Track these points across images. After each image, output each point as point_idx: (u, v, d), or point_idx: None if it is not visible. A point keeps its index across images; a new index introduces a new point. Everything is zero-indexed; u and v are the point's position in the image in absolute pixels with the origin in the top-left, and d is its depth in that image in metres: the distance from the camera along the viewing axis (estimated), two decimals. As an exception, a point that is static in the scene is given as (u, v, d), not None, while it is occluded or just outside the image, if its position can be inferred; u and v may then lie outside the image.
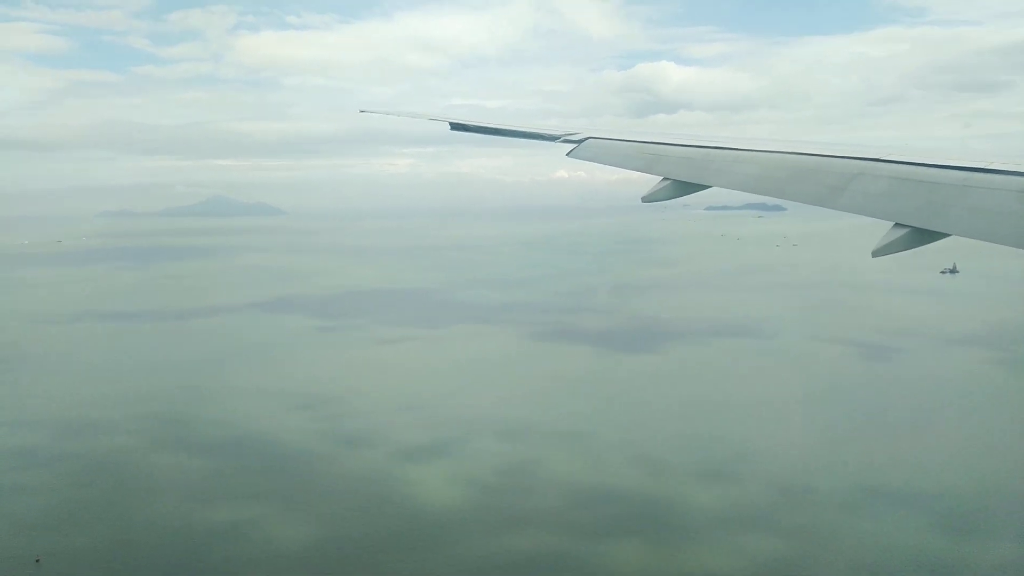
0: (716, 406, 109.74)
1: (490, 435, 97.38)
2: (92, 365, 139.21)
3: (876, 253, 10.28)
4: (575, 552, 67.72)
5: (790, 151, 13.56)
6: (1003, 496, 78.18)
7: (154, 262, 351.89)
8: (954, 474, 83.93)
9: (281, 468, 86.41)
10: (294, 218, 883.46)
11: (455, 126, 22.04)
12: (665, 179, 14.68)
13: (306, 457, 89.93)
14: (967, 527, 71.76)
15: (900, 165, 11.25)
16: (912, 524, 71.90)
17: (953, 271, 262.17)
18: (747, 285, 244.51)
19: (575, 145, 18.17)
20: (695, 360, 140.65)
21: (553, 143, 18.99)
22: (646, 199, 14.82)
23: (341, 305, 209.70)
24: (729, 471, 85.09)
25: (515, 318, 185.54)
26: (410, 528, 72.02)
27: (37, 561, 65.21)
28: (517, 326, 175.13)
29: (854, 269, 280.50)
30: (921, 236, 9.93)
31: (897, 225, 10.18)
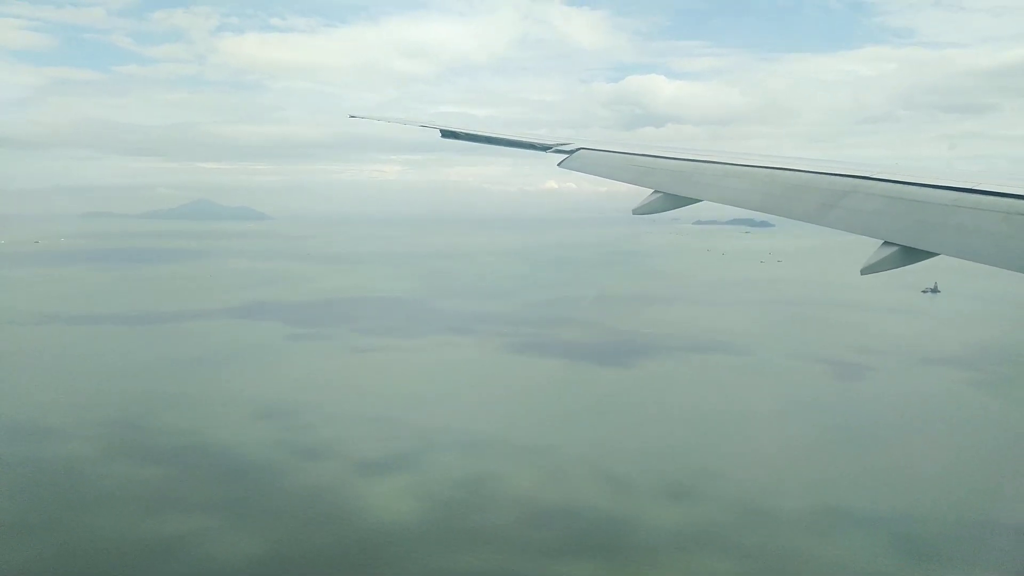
0: (684, 422, 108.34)
1: (452, 448, 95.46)
2: (53, 368, 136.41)
3: (865, 271, 10.24)
4: (527, 571, 66.01)
5: (781, 167, 13.45)
6: (968, 520, 77.13)
7: (131, 265, 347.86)
8: (920, 496, 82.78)
9: (234, 479, 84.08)
10: (279, 223, 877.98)
11: (446, 133, 21.78)
12: (656, 192, 14.59)
13: (261, 468, 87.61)
14: (927, 551, 70.52)
15: (891, 184, 11.25)
16: (872, 547, 70.47)
17: (934, 290, 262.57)
18: (728, 300, 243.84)
19: (566, 155, 17.98)
20: (667, 375, 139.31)
21: (544, 153, 18.84)
22: (637, 211, 14.73)
23: (317, 313, 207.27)
24: (692, 489, 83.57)
25: (490, 329, 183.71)
26: (359, 544, 70.01)
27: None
28: (491, 337, 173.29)
29: (836, 286, 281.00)
30: (910, 255, 9.93)
31: (886, 243, 10.17)
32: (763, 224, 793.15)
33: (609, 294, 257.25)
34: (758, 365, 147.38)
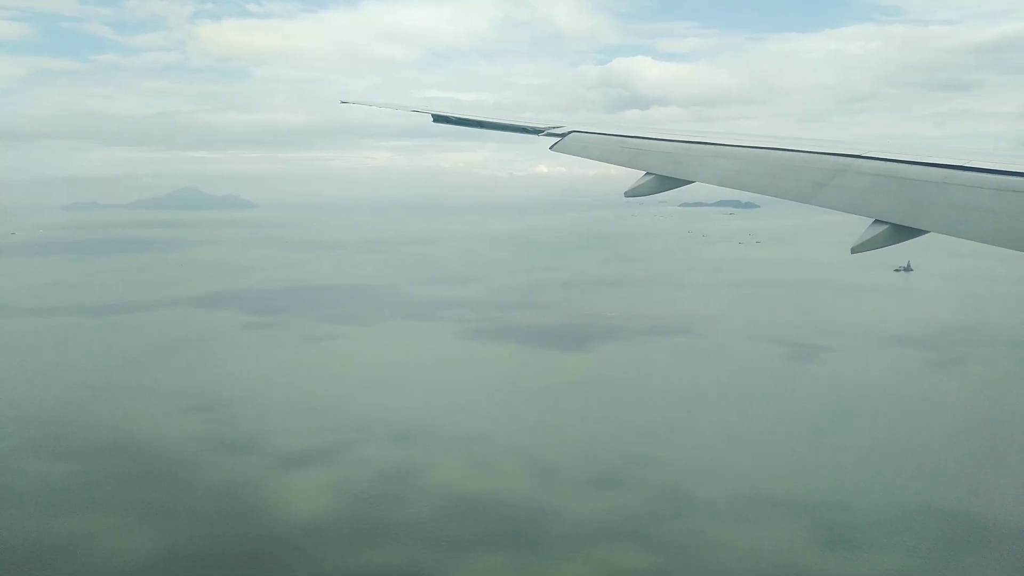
0: (627, 407, 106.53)
1: (384, 439, 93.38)
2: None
3: (856, 249, 10.32)
4: (434, 566, 64.14)
5: (773, 147, 13.46)
6: (898, 506, 75.25)
7: (105, 255, 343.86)
8: (853, 480, 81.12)
9: (151, 475, 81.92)
10: (266, 211, 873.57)
11: (438, 118, 21.72)
12: (648, 174, 14.60)
13: (182, 463, 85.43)
14: (850, 539, 68.75)
15: (881, 162, 11.28)
16: (792, 535, 68.81)
17: (907, 269, 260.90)
18: (699, 282, 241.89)
19: (558, 139, 18.01)
20: (621, 359, 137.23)
21: (536, 136, 18.89)
22: (629, 193, 14.71)
23: (281, 301, 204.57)
24: (618, 477, 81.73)
25: (454, 315, 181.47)
26: (266, 541, 68.00)
27: None
28: (453, 323, 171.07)
29: (811, 266, 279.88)
30: (901, 232, 9.98)
31: (877, 222, 10.20)
32: (748, 205, 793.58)
33: (581, 277, 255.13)
34: (715, 347, 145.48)
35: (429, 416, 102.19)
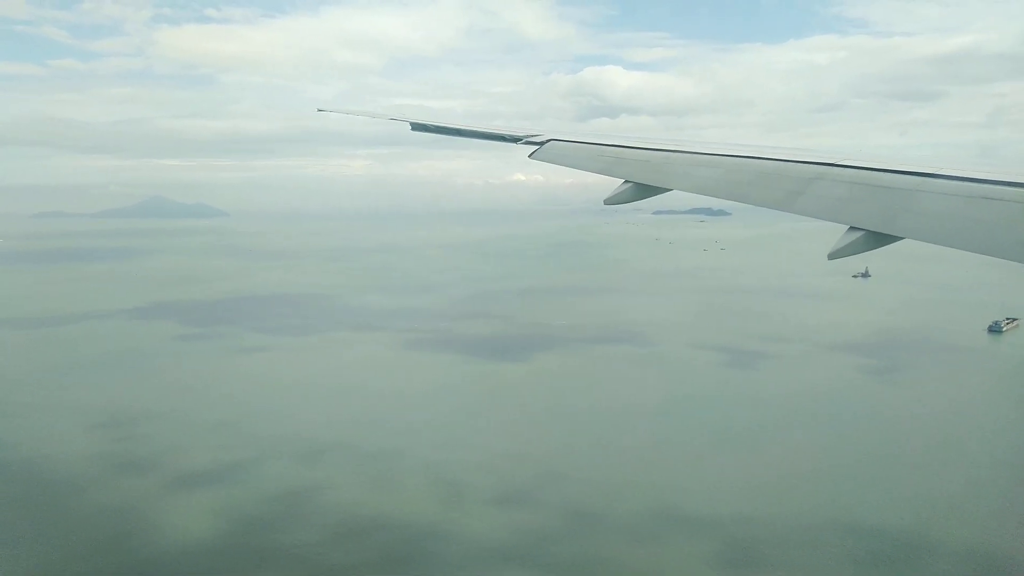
0: (553, 420, 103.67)
1: (290, 456, 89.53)
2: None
3: (832, 256, 10.35)
4: (311, 594, 60.51)
5: (750, 155, 13.52)
6: (813, 521, 72.69)
7: (58, 266, 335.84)
8: (767, 496, 78.36)
9: (33, 499, 77.51)
10: (235, 220, 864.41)
11: (415, 126, 21.62)
12: (627, 182, 14.60)
13: (71, 485, 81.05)
14: (755, 557, 66.14)
15: (856, 170, 11.40)
16: (695, 553, 66.09)
17: (865, 275, 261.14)
18: (656, 290, 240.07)
19: (537, 147, 17.95)
20: (559, 369, 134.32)
21: (515, 145, 18.78)
22: (608, 201, 14.85)
23: (223, 311, 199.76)
24: (528, 494, 78.59)
25: (399, 325, 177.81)
26: (143, 567, 64.11)
27: None
28: (396, 333, 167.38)
29: (771, 273, 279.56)
30: (876, 239, 10.06)
31: (852, 228, 10.27)
32: (720, 213, 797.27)
33: (539, 286, 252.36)
34: (657, 356, 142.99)
35: (343, 431, 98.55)
